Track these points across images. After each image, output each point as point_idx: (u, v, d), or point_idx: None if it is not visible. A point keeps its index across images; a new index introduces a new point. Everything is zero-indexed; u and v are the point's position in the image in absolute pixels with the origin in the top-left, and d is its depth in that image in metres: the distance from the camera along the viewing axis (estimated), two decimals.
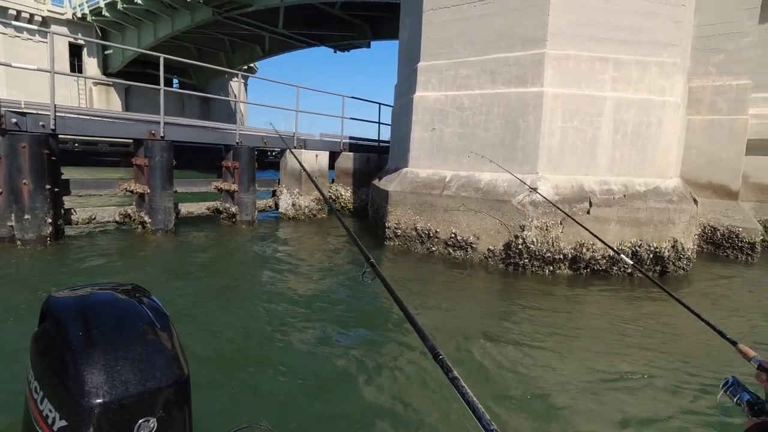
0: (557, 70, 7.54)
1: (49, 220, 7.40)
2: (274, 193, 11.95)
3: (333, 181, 13.29)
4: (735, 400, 1.30)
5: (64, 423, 0.90)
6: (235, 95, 40.93)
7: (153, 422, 0.95)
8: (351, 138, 14.39)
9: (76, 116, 9.06)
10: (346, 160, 13.20)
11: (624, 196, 7.44)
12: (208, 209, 10.24)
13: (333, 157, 12.95)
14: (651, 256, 7.33)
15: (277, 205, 11.74)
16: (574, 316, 5.63)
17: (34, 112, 7.76)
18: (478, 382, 3.77)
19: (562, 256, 7.13)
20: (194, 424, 1.03)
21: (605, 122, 7.62)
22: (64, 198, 8.03)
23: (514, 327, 5.10)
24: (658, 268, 7.38)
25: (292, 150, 9.08)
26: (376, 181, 10.43)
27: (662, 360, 4.37)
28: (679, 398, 3.69)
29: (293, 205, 11.52)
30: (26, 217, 7.16)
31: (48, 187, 7.35)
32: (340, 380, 3.77)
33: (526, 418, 3.29)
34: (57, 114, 7.62)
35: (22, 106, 7.48)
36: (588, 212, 7.21)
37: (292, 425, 3.12)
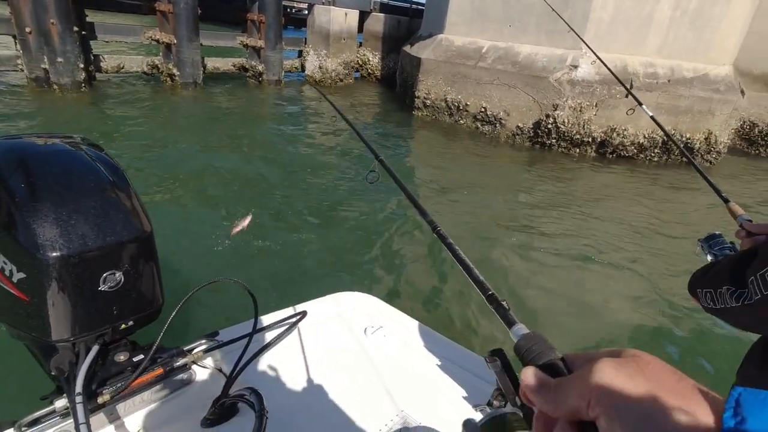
0: None
1: (81, 65, 7.41)
2: (300, 54, 11.51)
3: (361, 45, 12.63)
4: (713, 251, 1.21)
5: (22, 275, 0.94)
6: None
7: (119, 275, 1.00)
8: None
9: None
10: (376, 22, 12.36)
11: (668, 81, 7.07)
12: (234, 66, 10.03)
13: (362, 17, 12.12)
14: (681, 146, 7.22)
15: (303, 67, 11.40)
16: (593, 191, 5.83)
17: None
18: (485, 254, 4.12)
19: (590, 139, 7.08)
20: (163, 278, 1.10)
21: None
22: (91, 43, 7.91)
23: (531, 198, 5.36)
24: (684, 159, 7.32)
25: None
26: (407, 47, 9.92)
27: (669, 238, 4.65)
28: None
29: (320, 67, 11.18)
30: (59, 60, 7.17)
31: (75, 29, 7.21)
32: (332, 234, 4.13)
33: (526, 287, 3.64)
34: None
35: None
36: (627, 96, 6.93)
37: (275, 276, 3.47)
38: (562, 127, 6.96)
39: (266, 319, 1.44)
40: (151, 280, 1.11)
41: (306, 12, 11.88)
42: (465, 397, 1.28)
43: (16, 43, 7.08)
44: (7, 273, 0.95)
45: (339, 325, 1.52)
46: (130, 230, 1.02)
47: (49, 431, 0.98)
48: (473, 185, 5.68)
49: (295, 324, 1.44)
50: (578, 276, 3.76)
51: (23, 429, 0.96)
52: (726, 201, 1.50)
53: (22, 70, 7.19)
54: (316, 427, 1.14)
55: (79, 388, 0.96)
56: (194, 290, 1.21)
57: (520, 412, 0.45)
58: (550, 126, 7.03)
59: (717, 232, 1.23)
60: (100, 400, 1.03)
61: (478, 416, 1.07)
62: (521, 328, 0.45)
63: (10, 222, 0.92)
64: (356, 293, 1.72)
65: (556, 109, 6.98)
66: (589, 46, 2.63)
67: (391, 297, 3.05)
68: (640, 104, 2.15)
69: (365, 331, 1.50)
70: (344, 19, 11.07)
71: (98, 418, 1.04)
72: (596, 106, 6.89)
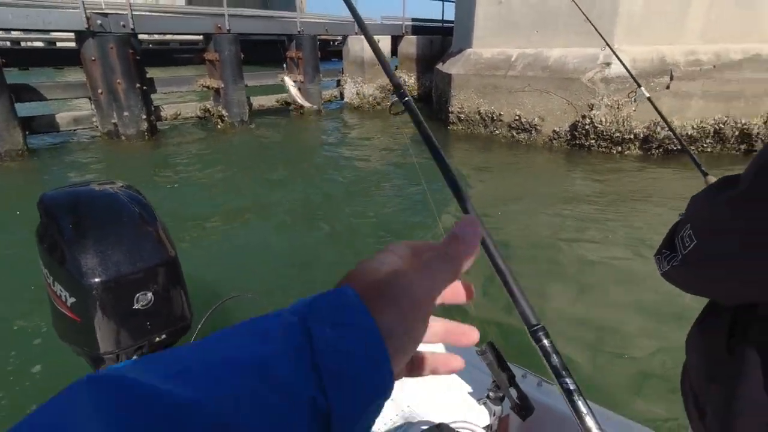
0: None
1: (144, 116, 8.28)
2: (338, 83, 12.06)
3: (396, 68, 13.00)
4: None
5: (74, 300, 1.14)
6: None
7: (150, 295, 1.18)
8: (414, 20, 13.62)
9: (149, 13, 9.47)
10: (409, 44, 12.70)
11: (714, 66, 6.71)
12: (277, 101, 10.71)
13: (395, 41, 12.51)
14: (737, 133, 6.78)
15: (342, 95, 11.93)
16: (635, 193, 5.62)
17: (114, 12, 8.23)
18: (519, 245, 4.12)
19: (632, 136, 6.84)
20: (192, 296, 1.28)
21: None
22: (152, 96, 8.81)
23: (575, 205, 5.26)
24: (743, 146, 6.85)
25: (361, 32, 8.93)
26: (439, 65, 10.13)
27: None
28: None
29: (357, 93, 11.63)
30: (125, 114, 8.06)
31: (138, 85, 8.09)
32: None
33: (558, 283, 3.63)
34: (133, 12, 8.05)
35: (103, 6, 7.95)
36: (668, 87, 6.67)
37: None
38: (599, 126, 6.78)
39: None
40: (179, 298, 1.28)
41: (341, 43, 12.47)
42: (469, 392, 1.35)
43: (91, 103, 8.08)
44: (63, 299, 1.18)
45: None
46: (156, 256, 1.21)
47: None
48: (514, 197, 5.68)
49: None
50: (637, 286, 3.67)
51: None
52: (705, 174, 1.55)
53: (97, 126, 8.16)
54: None
55: None
56: (217, 305, 1.42)
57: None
58: (587, 127, 6.88)
59: None
60: None
61: (481, 409, 1.16)
62: None
63: (62, 257, 1.16)
64: None
65: (592, 109, 6.83)
66: (607, 42, 2.61)
67: None
68: (639, 86, 2.15)
69: None
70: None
71: None
72: (635, 101, 6.67)
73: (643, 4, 6.70)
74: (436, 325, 0.34)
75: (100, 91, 7.82)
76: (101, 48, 7.61)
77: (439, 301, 0.32)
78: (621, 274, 3.73)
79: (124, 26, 7.90)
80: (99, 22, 7.59)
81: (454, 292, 0.35)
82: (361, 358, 0.25)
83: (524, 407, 1.04)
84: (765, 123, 6.77)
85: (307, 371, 0.24)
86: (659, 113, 1.94)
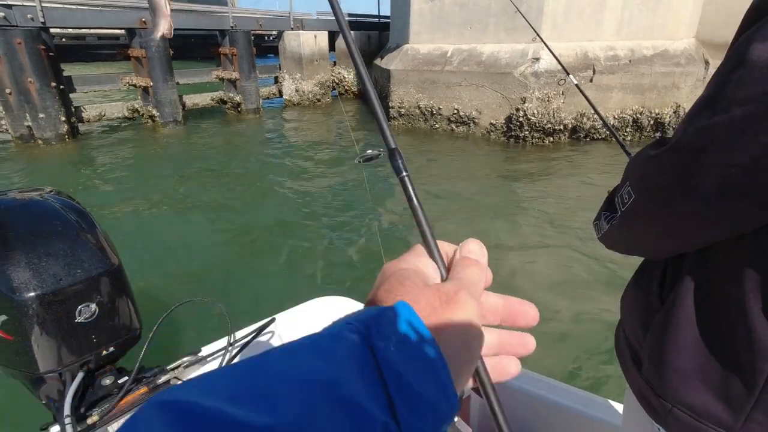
0: None
1: (63, 118, 7.63)
2: (276, 80, 11.78)
3: (335, 63, 12.92)
4: None
5: (4, 317, 1.05)
6: None
7: (93, 306, 1.12)
8: (350, 15, 13.61)
9: (62, 6, 8.71)
10: None
11: (629, 61, 7.30)
12: (212, 99, 10.27)
13: (332, 37, 12.42)
14: (651, 122, 7.43)
15: (281, 92, 11.66)
16: (566, 178, 6.00)
17: (20, 3, 7.49)
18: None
19: (562, 127, 7.29)
20: (139, 306, 1.21)
21: None
22: (71, 95, 8.13)
23: (510, 185, 5.53)
24: (657, 134, 7.53)
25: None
26: (377, 61, 10.19)
27: None
28: None
29: (296, 90, 11.43)
30: (41, 116, 7.38)
31: (53, 84, 7.43)
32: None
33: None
34: (42, 4, 7.37)
35: None
36: (591, 80, 7.16)
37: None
38: (532, 118, 7.16)
39: (242, 332, 1.53)
40: (126, 308, 1.21)
41: (276, 39, 12.18)
42: None
43: None
44: None
45: (312, 329, 1.64)
46: (98, 265, 1.14)
47: None
48: (453, 178, 5.87)
49: (265, 331, 1.52)
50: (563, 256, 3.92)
51: None
52: (629, 155, 1.66)
53: (7, 131, 7.40)
54: None
55: (67, 411, 1.08)
56: (167, 312, 1.35)
57: None
58: (521, 119, 7.23)
59: None
60: (89, 421, 1.14)
61: None
62: None
63: None
64: (330, 297, 1.78)
65: (524, 102, 7.19)
66: (540, 36, 2.74)
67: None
68: (568, 74, 2.27)
69: None
70: (314, 41, 11.36)
71: None
72: (563, 94, 7.10)
73: (565, 3, 7.14)
74: (490, 336, 0.32)
75: (8, 91, 7.10)
76: (6, 44, 6.90)
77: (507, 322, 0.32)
78: (549, 240, 3.99)
79: (32, 19, 7.21)
80: (2, 14, 6.88)
81: (515, 313, 0.33)
82: (429, 382, 0.24)
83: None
84: (674, 112, 7.48)
85: (378, 395, 0.23)
86: (587, 99, 2.04)
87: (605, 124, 1.92)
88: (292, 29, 11.04)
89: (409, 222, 4.57)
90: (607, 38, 7.41)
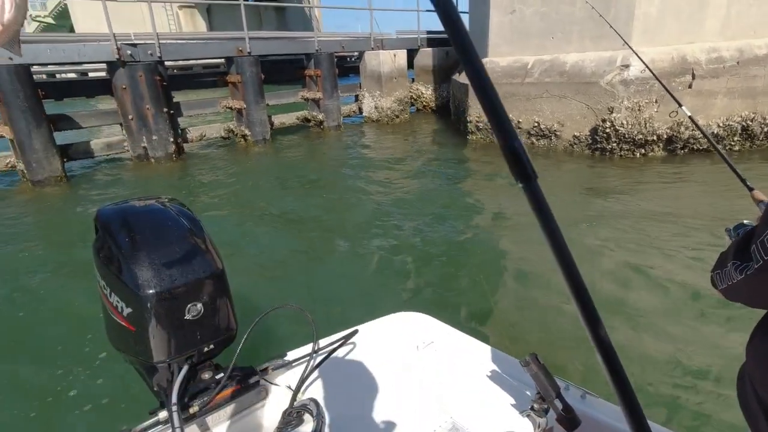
0: None
1: (171, 139, 8.60)
2: (356, 98, 12.26)
3: (413, 81, 13.14)
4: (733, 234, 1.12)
5: (130, 310, 1.19)
6: (309, 1, 39.83)
7: (200, 306, 1.22)
8: (428, 32, 13.79)
9: (174, 41, 9.88)
10: (425, 56, 12.85)
11: (737, 63, 6.59)
12: (297, 118, 10.96)
13: (411, 55, 12.67)
14: (766, 129, 6.62)
15: (360, 110, 12.11)
16: (663, 197, 5.53)
17: (142, 42, 8.63)
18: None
19: (656, 137, 6.74)
20: (237, 307, 1.31)
21: None
22: (179, 119, 9.15)
23: (596, 207, 5.22)
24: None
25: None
26: (455, 76, 10.22)
27: None
28: None
29: (375, 107, 11.80)
30: (154, 137, 8.39)
31: (165, 110, 8.42)
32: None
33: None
34: (160, 42, 8.42)
35: (132, 38, 8.35)
36: (690, 86, 6.57)
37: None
38: (621, 129, 6.72)
39: (325, 340, 1.60)
40: (226, 309, 1.32)
41: (357, 59, 12.71)
42: (513, 404, 1.34)
43: (122, 129, 8.45)
44: (119, 309, 1.23)
45: (392, 342, 1.63)
46: (206, 268, 1.25)
47: None
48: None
49: (348, 341, 1.59)
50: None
51: None
52: (751, 189, 1.45)
53: (128, 150, 8.51)
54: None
55: (174, 399, 1.19)
56: (261, 315, 1.47)
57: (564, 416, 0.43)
58: (608, 130, 6.82)
59: (746, 221, 1.15)
60: (191, 410, 1.26)
61: (525, 422, 1.18)
62: None
63: (119, 269, 1.21)
64: (410, 313, 1.80)
65: (612, 112, 6.78)
66: (627, 43, 2.56)
67: (449, 313, 3.20)
68: (680, 105, 1.95)
69: (417, 346, 1.59)
70: (393, 59, 11.68)
71: (192, 429, 1.24)
72: (656, 102, 6.59)
73: (659, 4, 6.66)
74: None
75: (130, 117, 8.17)
76: (131, 77, 7.97)
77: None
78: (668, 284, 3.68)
79: (151, 55, 8.26)
80: (129, 52, 7.96)
81: None
82: None
83: (570, 419, 1.03)
84: None
85: None
86: (702, 132, 1.81)
87: (721, 156, 1.62)
88: (372, 49, 11.47)
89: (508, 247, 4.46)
90: (709, 39, 6.77)
